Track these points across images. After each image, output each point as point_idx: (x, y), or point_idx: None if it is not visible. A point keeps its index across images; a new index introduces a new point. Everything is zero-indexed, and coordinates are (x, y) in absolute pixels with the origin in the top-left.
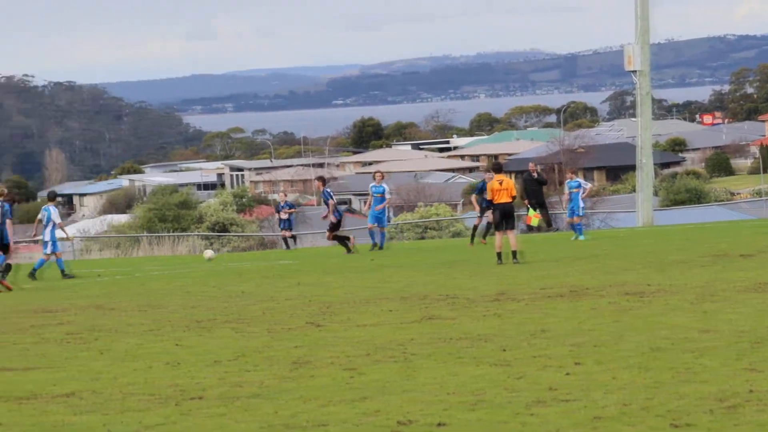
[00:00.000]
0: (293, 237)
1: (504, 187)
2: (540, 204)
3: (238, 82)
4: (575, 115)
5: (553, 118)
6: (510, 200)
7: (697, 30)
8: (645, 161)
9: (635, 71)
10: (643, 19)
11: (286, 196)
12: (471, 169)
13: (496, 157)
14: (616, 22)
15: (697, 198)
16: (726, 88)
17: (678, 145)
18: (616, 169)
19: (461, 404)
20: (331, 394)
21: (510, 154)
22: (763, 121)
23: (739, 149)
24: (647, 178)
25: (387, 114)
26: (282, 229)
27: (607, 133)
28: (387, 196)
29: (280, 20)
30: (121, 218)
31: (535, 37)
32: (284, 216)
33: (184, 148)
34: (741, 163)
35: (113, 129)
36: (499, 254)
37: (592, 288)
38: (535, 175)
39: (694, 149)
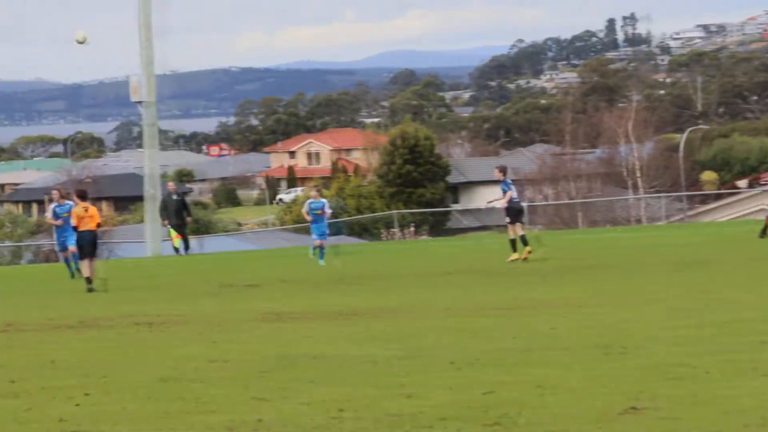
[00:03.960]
0: None
1: (89, 215)
2: (180, 225)
3: None
4: (82, 145)
5: (60, 148)
6: (95, 228)
7: (201, 62)
8: (153, 192)
9: (141, 102)
10: (147, 50)
11: None
12: None
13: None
14: (121, 53)
15: (205, 229)
16: (231, 119)
17: (186, 176)
18: (125, 200)
19: None
20: None
21: (17, 184)
22: (268, 152)
23: (245, 180)
24: (155, 208)
25: None
26: None
27: (115, 163)
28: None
29: None
30: None
31: (39, 67)
32: None
33: None
34: (247, 194)
35: None
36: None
37: (100, 318)
38: (175, 196)
39: (201, 180)
